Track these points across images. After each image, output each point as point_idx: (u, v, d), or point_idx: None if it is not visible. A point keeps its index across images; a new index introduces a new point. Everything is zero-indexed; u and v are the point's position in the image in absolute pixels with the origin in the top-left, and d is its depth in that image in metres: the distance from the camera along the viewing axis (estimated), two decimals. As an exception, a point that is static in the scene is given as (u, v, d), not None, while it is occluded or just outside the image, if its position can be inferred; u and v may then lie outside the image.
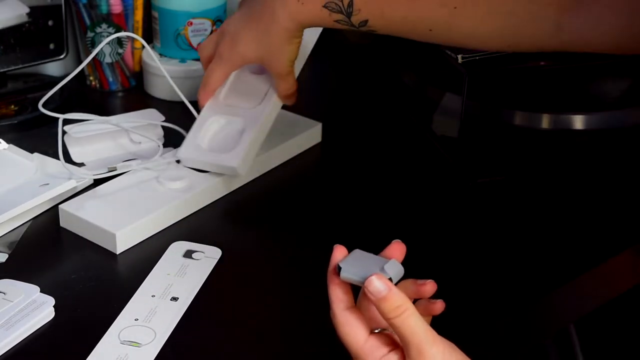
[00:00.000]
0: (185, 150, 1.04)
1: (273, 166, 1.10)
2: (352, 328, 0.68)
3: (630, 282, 1.01)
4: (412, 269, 0.71)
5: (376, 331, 0.69)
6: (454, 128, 1.14)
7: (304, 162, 1.12)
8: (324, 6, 0.92)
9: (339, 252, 0.69)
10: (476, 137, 1.15)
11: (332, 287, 0.69)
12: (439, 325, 0.70)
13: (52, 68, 1.29)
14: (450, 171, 1.09)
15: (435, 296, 0.70)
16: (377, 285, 0.66)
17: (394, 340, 0.69)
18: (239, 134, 1.03)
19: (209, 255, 0.93)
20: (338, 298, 0.69)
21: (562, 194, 1.06)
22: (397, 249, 0.71)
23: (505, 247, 0.97)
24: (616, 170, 1.11)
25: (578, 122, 1.17)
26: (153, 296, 0.87)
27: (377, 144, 1.17)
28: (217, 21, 1.25)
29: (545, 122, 1.17)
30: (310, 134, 1.14)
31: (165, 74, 1.10)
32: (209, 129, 1.05)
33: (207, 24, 1.24)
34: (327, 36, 1.13)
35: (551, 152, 1.14)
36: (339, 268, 0.68)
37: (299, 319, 0.86)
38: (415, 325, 0.66)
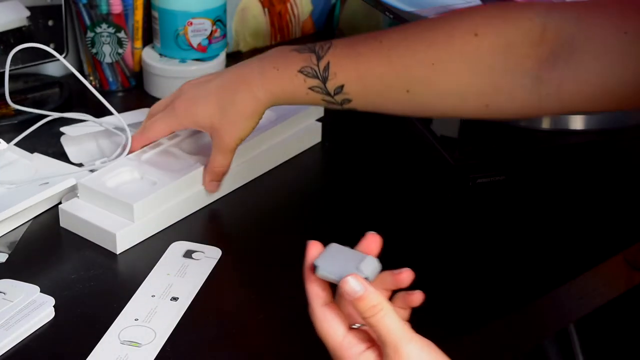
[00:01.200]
0: (88, 180, 0.98)
1: (273, 166, 1.10)
2: (330, 324, 0.68)
3: (630, 282, 1.01)
4: (412, 269, 0.71)
5: (354, 327, 0.69)
6: (454, 128, 1.13)
7: (304, 162, 1.12)
8: (300, 71, 0.90)
9: (314, 249, 0.69)
10: (476, 137, 1.15)
11: (309, 284, 0.69)
12: (439, 325, 0.70)
13: (52, 68, 1.29)
14: (450, 171, 1.09)
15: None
16: (353, 285, 0.66)
17: (372, 337, 0.69)
18: (148, 188, 0.98)
19: (209, 255, 0.93)
20: (316, 294, 0.69)
21: (562, 193, 1.06)
22: (372, 241, 0.70)
23: (505, 247, 0.97)
24: (616, 170, 1.11)
25: (578, 122, 1.17)
26: (153, 296, 0.87)
27: (377, 143, 1.17)
28: (217, 21, 1.25)
29: (545, 122, 1.17)
30: (310, 134, 1.14)
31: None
32: (119, 175, 0.99)
33: (207, 24, 1.24)
34: (328, 36, 1.13)
35: (551, 152, 1.14)
36: (315, 266, 0.68)
37: (299, 319, 0.86)
38: (391, 324, 0.66)
